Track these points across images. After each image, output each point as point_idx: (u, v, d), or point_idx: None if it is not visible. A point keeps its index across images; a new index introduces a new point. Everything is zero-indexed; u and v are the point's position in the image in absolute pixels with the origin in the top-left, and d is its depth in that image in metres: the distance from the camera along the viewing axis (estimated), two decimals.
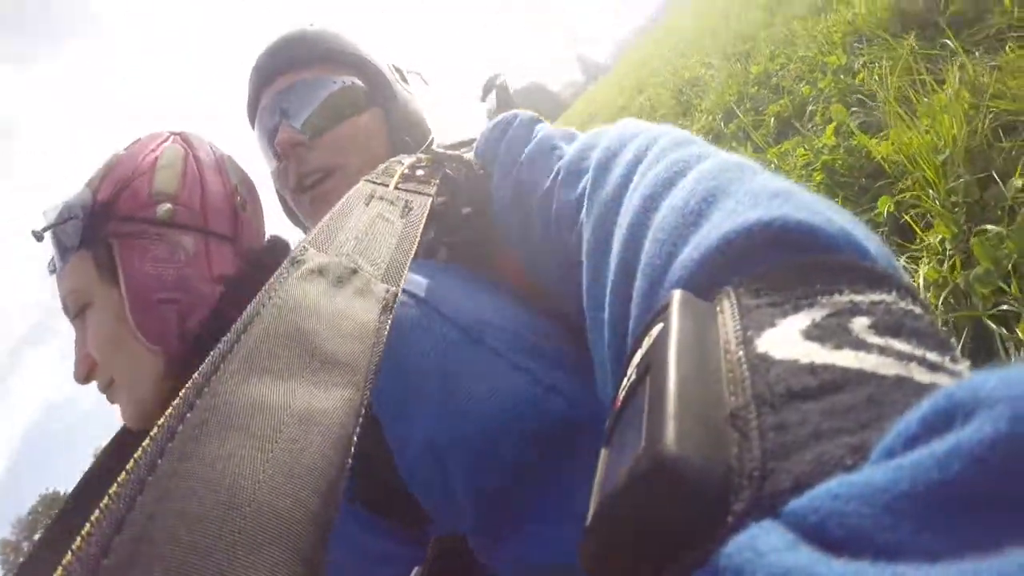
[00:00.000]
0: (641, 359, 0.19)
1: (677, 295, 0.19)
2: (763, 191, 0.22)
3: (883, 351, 0.15)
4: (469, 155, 0.59)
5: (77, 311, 0.57)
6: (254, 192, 0.68)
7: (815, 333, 0.16)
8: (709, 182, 0.25)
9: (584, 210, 0.36)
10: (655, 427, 0.14)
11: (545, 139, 0.50)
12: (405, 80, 0.76)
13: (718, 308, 0.18)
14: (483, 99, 0.71)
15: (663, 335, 0.17)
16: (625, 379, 0.19)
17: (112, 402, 0.58)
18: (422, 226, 0.40)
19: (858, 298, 0.16)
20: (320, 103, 0.66)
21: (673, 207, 0.25)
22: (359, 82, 0.68)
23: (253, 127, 0.71)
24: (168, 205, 0.57)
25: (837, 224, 0.20)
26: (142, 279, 0.55)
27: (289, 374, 0.24)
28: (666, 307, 0.19)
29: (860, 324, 0.16)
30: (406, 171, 0.51)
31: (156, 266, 0.56)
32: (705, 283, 0.21)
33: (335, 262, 0.32)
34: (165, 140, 0.63)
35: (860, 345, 0.15)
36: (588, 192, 0.36)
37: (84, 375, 0.57)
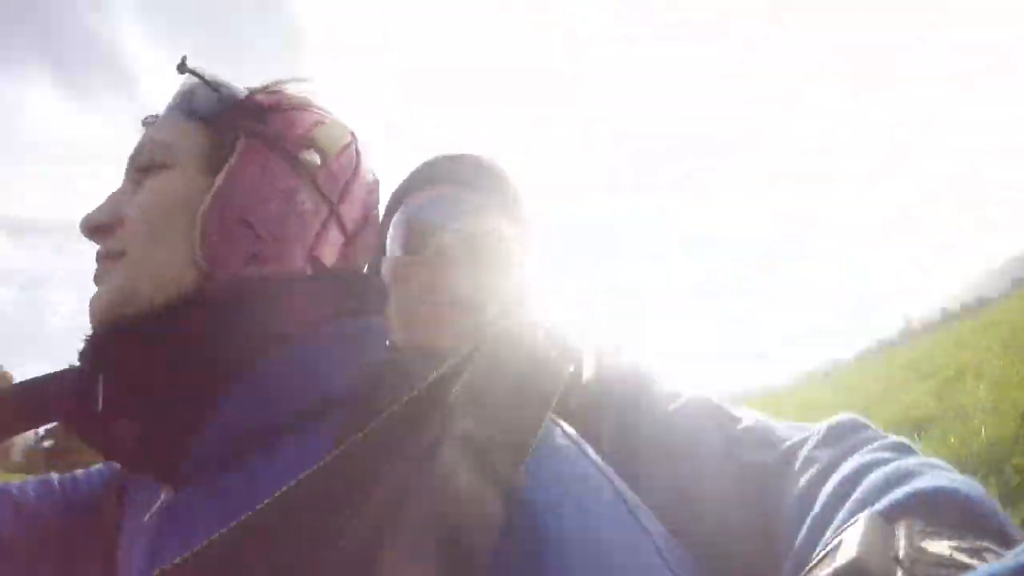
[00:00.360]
0: (835, 540, 0.27)
1: (869, 512, 0.28)
2: (947, 474, 0.31)
3: None
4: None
5: (147, 164, 0.46)
6: (376, 223, 0.60)
7: (958, 549, 0.24)
8: (913, 466, 0.32)
9: (797, 464, 0.41)
10: (848, 554, 0.24)
11: (705, 400, 0.51)
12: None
13: (895, 527, 0.26)
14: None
15: (857, 526, 0.26)
16: (818, 552, 0.28)
17: (97, 277, 0.45)
18: (556, 396, 0.41)
19: (992, 546, 0.24)
20: (491, 237, 0.64)
21: (881, 473, 0.33)
22: (519, 243, 0.67)
23: (393, 207, 0.67)
24: (317, 159, 0.49)
25: (994, 508, 0.28)
26: (247, 189, 0.45)
27: (430, 563, 0.30)
28: (858, 519, 0.27)
29: (991, 556, 0.23)
30: (547, 324, 0.54)
31: (271, 191, 0.46)
32: (892, 518, 0.28)
33: (479, 436, 0.35)
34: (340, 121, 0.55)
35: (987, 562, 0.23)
36: (809, 451, 0.41)
37: (100, 225, 0.45)
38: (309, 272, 0.48)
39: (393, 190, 0.69)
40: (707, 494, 0.45)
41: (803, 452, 0.41)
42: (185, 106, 0.48)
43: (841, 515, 0.31)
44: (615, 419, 0.53)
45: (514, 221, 0.68)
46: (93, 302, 0.44)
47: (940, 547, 0.24)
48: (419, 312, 0.59)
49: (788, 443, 0.43)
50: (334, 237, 0.51)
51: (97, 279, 0.45)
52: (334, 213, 0.51)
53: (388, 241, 0.66)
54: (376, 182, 0.59)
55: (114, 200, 0.46)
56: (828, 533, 0.31)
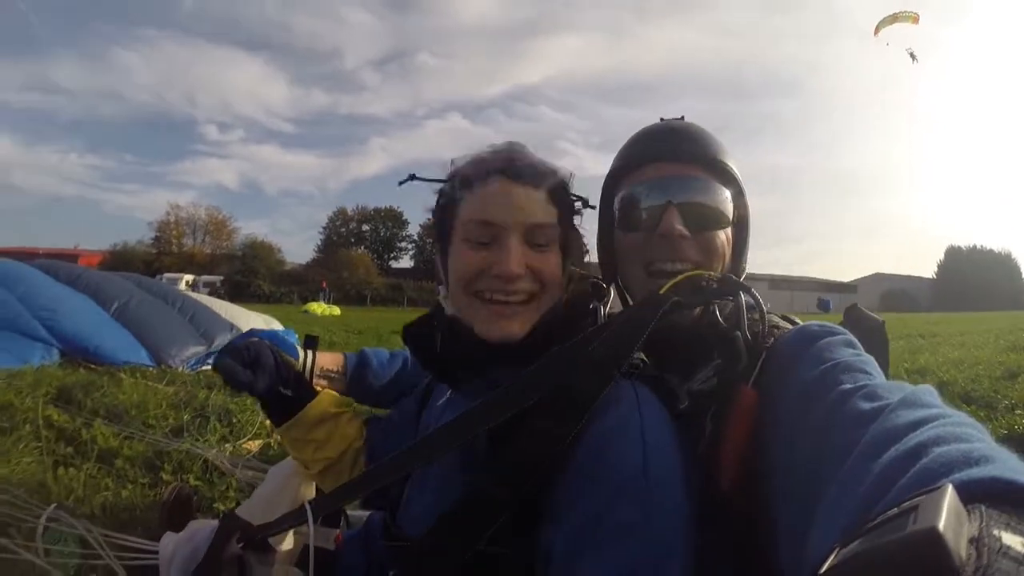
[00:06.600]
0: (910, 503, 0.28)
1: (951, 484, 0.28)
2: (1021, 466, 0.32)
3: None
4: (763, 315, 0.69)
5: (537, 236, 0.76)
6: None
7: None
8: (989, 449, 0.34)
9: (881, 417, 0.46)
10: (928, 521, 0.24)
11: (860, 359, 0.59)
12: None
13: (972, 507, 0.27)
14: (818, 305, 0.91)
15: (939, 495, 0.27)
16: (886, 505, 0.30)
17: (519, 308, 0.75)
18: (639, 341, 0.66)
19: None
20: (708, 205, 0.77)
21: (956, 449, 0.35)
22: (731, 199, 0.79)
23: (616, 186, 0.85)
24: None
25: None
26: (574, 261, 0.83)
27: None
28: (939, 488, 0.28)
29: None
30: (704, 283, 0.70)
31: (580, 256, 0.86)
32: (969, 497, 0.28)
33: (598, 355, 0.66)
34: None
35: None
36: (893, 406, 0.46)
37: (522, 272, 0.74)
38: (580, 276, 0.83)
39: (611, 168, 0.87)
40: (813, 427, 0.54)
41: (887, 411, 0.46)
42: (555, 196, 0.78)
43: (908, 479, 0.34)
44: (783, 355, 0.64)
45: (730, 184, 0.79)
46: (514, 323, 0.75)
47: (1014, 540, 0.24)
48: (650, 284, 0.77)
49: (885, 401, 0.49)
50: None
51: (518, 312, 0.76)
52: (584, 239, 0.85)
53: (616, 215, 0.84)
54: None
55: (521, 258, 0.75)
56: (893, 492, 0.33)
